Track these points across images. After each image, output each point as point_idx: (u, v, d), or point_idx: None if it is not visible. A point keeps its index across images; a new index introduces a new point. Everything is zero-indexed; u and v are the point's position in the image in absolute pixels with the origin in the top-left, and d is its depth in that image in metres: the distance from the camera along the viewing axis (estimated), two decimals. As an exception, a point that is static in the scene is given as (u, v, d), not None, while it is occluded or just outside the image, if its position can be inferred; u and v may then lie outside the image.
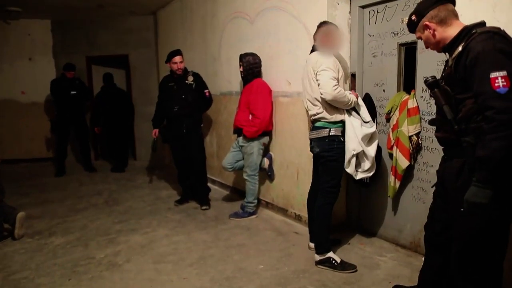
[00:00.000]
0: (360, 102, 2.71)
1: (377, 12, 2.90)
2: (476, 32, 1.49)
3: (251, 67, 3.48)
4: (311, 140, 2.70)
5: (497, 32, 1.47)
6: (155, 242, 3.14)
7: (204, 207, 3.93)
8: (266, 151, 3.71)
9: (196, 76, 4.00)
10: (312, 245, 2.88)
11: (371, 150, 2.64)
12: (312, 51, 2.67)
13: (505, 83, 1.36)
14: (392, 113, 2.78)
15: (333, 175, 2.62)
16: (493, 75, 1.39)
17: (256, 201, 3.69)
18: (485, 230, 1.56)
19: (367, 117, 2.68)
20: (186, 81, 3.93)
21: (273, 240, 3.11)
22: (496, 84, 1.38)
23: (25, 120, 6.61)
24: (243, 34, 3.99)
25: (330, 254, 2.60)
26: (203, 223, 3.55)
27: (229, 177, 4.52)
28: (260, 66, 3.55)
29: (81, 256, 2.89)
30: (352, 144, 2.55)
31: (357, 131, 2.56)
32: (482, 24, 1.57)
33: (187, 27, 5.22)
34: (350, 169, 2.60)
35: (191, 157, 4.00)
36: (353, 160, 2.59)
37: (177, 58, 3.86)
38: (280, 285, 2.41)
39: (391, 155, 2.81)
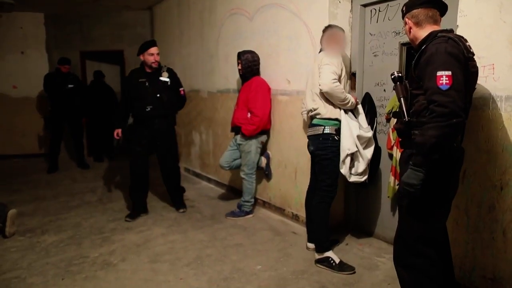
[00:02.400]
0: (360, 109, 2.70)
1: (379, 11, 2.87)
2: (437, 36, 1.67)
3: (249, 65, 3.43)
4: (308, 137, 2.70)
5: (452, 38, 1.63)
6: (151, 241, 3.09)
7: (181, 210, 3.75)
8: (263, 150, 3.67)
9: (171, 72, 3.59)
10: (310, 245, 2.86)
11: (367, 153, 2.64)
12: (320, 51, 2.69)
13: (447, 81, 1.54)
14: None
15: (328, 174, 2.61)
16: (439, 73, 1.56)
17: (253, 200, 3.65)
18: (419, 212, 1.76)
19: (365, 124, 2.68)
20: (161, 78, 3.48)
21: (271, 240, 3.08)
22: (440, 82, 1.55)
23: (16, 115, 6.48)
24: (242, 31, 3.94)
25: (329, 254, 2.59)
26: (199, 222, 3.50)
27: (225, 175, 4.47)
28: (258, 63, 3.51)
29: (74, 255, 2.83)
30: (347, 143, 2.53)
31: (353, 131, 2.55)
32: (450, 30, 1.74)
33: (184, 23, 5.16)
34: (344, 170, 2.58)
35: (164, 164, 3.65)
36: (348, 160, 2.57)
37: (154, 49, 3.40)
38: (279, 286, 2.37)
39: (390, 156, 2.79)
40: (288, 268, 2.60)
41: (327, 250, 2.60)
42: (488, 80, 1.98)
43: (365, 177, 2.68)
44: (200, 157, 5.13)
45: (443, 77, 1.54)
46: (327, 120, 2.58)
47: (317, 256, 2.62)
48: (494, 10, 1.94)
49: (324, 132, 2.57)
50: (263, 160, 3.64)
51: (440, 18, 1.82)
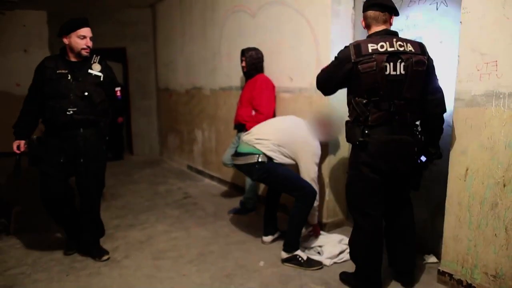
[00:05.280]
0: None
1: (382, 7, 2.86)
2: None
3: (254, 62, 3.42)
4: (238, 167, 2.72)
5: (353, 43, 2.02)
6: (154, 238, 3.10)
7: (104, 258, 2.69)
8: (266, 147, 3.67)
9: (105, 64, 2.67)
10: (265, 239, 2.93)
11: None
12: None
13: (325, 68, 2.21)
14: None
15: (288, 184, 2.62)
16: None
17: (255, 197, 3.66)
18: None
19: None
20: (90, 70, 2.57)
21: (273, 237, 3.09)
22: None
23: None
24: (244, 28, 3.94)
25: (297, 252, 2.58)
26: (202, 219, 3.52)
27: (227, 172, 4.48)
28: (262, 61, 3.49)
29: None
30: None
31: None
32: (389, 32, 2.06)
33: (186, 21, 5.16)
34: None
35: (86, 192, 2.66)
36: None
37: (87, 31, 2.52)
38: (282, 282, 2.39)
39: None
40: (290, 264, 2.61)
41: (297, 250, 2.59)
42: (491, 77, 1.97)
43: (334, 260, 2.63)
44: (202, 155, 5.15)
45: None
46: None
47: (285, 255, 2.59)
48: (498, 6, 1.93)
49: (259, 160, 2.58)
50: (266, 158, 3.65)
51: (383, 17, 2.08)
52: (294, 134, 2.65)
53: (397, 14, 2.14)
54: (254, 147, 2.62)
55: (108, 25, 6.42)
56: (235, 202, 3.86)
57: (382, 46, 1.95)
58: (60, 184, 2.58)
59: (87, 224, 2.73)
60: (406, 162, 2.08)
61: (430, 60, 2.04)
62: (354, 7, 3.01)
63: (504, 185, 1.97)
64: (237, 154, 2.73)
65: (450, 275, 2.24)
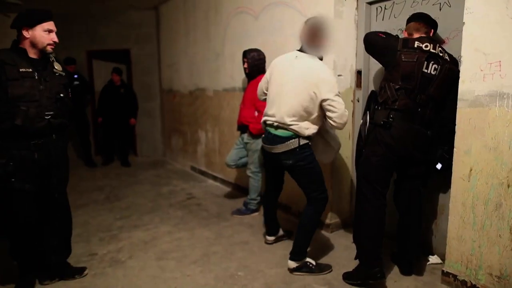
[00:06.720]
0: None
1: (385, 8, 2.86)
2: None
3: (256, 64, 3.43)
4: (279, 154, 2.42)
5: (402, 38, 2.30)
6: (158, 238, 3.12)
7: (85, 273, 2.54)
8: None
9: (60, 62, 2.41)
10: (269, 238, 2.92)
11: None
12: (300, 50, 2.49)
13: None
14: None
15: (316, 181, 2.48)
16: None
17: (259, 198, 3.66)
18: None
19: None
20: (55, 70, 2.30)
21: (277, 237, 3.09)
22: None
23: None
24: (247, 29, 3.95)
25: (306, 259, 2.53)
26: (205, 220, 3.53)
27: (231, 173, 4.50)
28: (264, 62, 3.50)
29: (83, 252, 2.86)
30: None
31: None
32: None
33: (190, 23, 5.18)
34: None
35: (54, 206, 2.37)
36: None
37: (52, 25, 2.22)
38: (285, 283, 2.39)
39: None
40: (294, 265, 2.62)
41: (306, 257, 2.53)
42: (495, 77, 1.97)
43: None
44: (206, 155, 5.16)
45: None
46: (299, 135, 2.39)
47: (294, 265, 2.49)
48: (501, 7, 1.93)
49: (301, 144, 2.38)
50: (269, 158, 3.65)
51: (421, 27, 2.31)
52: (308, 92, 2.33)
53: (436, 30, 2.35)
54: (290, 130, 2.39)
55: (112, 27, 6.47)
56: (239, 203, 3.87)
57: (426, 46, 2.17)
58: (33, 200, 2.26)
59: (60, 244, 2.43)
60: (421, 151, 2.26)
61: (458, 73, 2.18)
62: (357, 8, 3.02)
63: (508, 186, 1.97)
64: (272, 141, 2.45)
65: (454, 276, 2.24)
